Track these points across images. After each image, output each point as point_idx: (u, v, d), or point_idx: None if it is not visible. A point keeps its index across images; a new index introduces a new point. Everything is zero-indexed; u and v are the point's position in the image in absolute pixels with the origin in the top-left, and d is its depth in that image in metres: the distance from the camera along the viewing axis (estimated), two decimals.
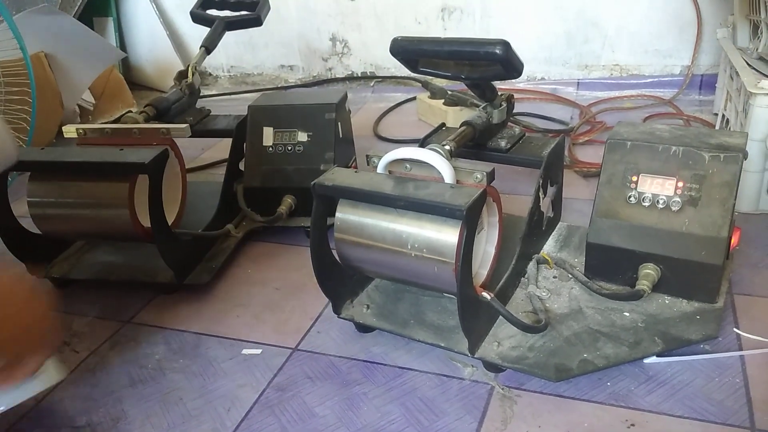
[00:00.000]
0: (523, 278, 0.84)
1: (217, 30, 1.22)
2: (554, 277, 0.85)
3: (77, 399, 0.76)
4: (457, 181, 0.71)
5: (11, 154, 0.66)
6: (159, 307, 0.92)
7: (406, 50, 0.78)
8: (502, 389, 0.70)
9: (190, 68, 1.15)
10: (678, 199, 0.75)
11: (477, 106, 1.38)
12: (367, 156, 0.77)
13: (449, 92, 1.47)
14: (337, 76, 1.90)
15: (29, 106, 1.23)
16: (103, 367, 0.80)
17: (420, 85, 1.70)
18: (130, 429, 0.71)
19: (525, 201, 0.86)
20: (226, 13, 1.26)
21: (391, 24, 1.77)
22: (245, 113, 1.10)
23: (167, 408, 0.73)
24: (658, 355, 0.72)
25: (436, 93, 1.51)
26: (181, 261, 0.93)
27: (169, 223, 0.92)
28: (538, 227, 0.87)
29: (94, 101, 1.74)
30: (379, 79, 1.86)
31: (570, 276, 0.83)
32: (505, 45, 0.71)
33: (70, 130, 0.98)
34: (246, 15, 1.24)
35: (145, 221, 0.88)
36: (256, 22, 1.23)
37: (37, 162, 0.88)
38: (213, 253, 1.00)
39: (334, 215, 0.75)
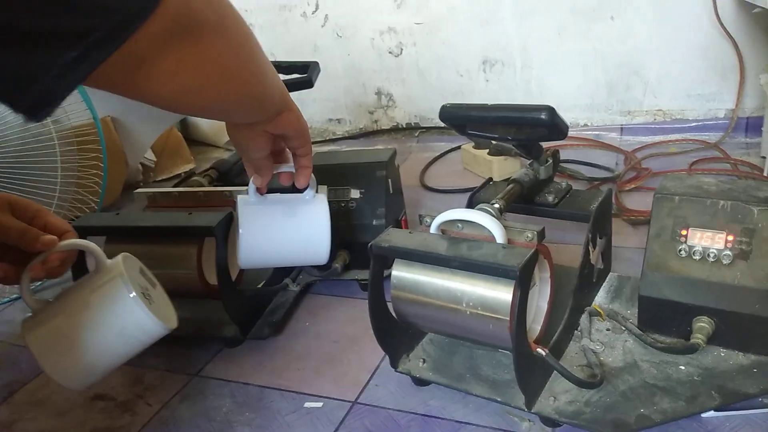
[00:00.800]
0: (576, 331, 0.85)
1: None
2: (607, 329, 0.86)
3: None
4: (509, 241, 0.74)
5: (175, 321, 0.70)
6: (224, 360, 0.97)
7: (455, 116, 0.82)
8: None
9: None
10: (729, 253, 0.76)
11: (521, 155, 1.42)
12: (420, 216, 0.82)
13: (493, 142, 1.51)
14: (383, 127, 1.97)
15: (100, 170, 1.32)
16: (175, 421, 0.85)
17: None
18: None
19: (574, 250, 0.88)
20: (280, 77, 1.33)
21: (433, 77, 1.84)
22: None
23: None
24: (715, 410, 0.72)
25: (480, 143, 1.55)
26: (244, 316, 0.98)
27: (233, 279, 0.97)
28: (588, 279, 0.89)
29: (155, 159, 1.85)
30: (424, 130, 1.92)
31: (623, 328, 0.84)
32: (550, 111, 0.75)
33: (141, 194, 1.05)
34: (298, 78, 1.31)
35: (211, 279, 0.93)
36: (308, 84, 1.29)
37: (113, 227, 0.95)
38: (273, 307, 1.05)
39: (388, 267, 0.79)
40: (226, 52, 0.48)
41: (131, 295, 0.61)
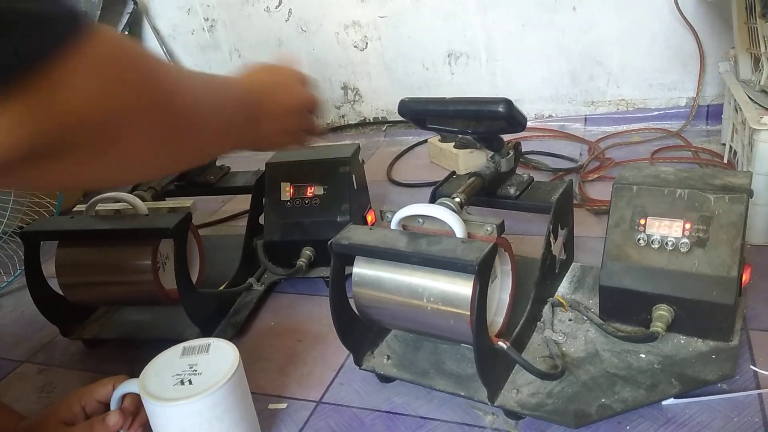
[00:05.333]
0: (539, 322, 0.85)
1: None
2: (570, 320, 0.86)
3: None
4: (469, 234, 0.74)
5: None
6: None
7: (414, 111, 0.81)
8: None
9: None
10: (686, 241, 0.77)
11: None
12: (381, 211, 0.81)
13: (459, 135, 1.51)
14: (350, 122, 1.95)
15: None
16: None
17: None
18: None
19: (537, 241, 0.88)
20: None
21: (399, 71, 1.83)
22: (262, 166, 1.14)
23: None
24: (675, 397, 0.73)
25: (446, 136, 1.55)
26: (206, 318, 0.96)
27: (194, 281, 0.95)
28: (551, 271, 0.89)
29: None
30: (391, 124, 1.91)
31: (585, 318, 0.85)
32: (507, 103, 0.75)
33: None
34: None
35: (167, 284, 0.91)
36: None
37: (65, 231, 0.92)
38: (237, 308, 1.04)
39: (350, 264, 0.78)
40: None
41: None
